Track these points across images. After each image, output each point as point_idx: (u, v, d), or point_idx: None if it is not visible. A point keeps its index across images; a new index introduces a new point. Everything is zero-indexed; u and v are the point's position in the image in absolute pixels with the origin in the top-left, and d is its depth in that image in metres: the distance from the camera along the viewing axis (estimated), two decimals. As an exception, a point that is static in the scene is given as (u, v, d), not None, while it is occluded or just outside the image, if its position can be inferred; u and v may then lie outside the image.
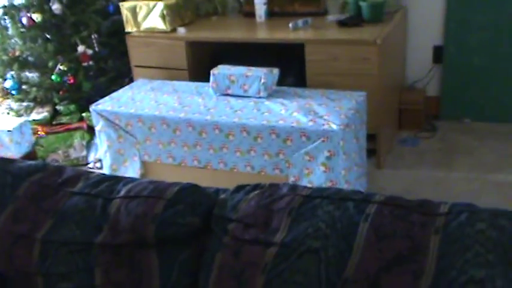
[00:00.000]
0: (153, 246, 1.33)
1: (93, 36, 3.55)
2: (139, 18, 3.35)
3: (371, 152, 3.06)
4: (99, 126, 2.93)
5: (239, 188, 1.47)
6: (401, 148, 3.32)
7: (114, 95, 3.04)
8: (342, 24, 3.11)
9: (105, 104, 2.92)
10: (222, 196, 1.44)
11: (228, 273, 1.24)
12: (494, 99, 3.46)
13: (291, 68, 3.28)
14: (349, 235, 1.16)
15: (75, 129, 3.46)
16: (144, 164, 2.91)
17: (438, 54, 3.52)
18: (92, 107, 2.92)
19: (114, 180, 1.53)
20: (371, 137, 3.00)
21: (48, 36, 3.51)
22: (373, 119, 2.93)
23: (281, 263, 1.18)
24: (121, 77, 3.71)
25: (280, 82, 3.05)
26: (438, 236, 1.10)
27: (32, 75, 3.62)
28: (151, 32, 3.36)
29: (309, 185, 2.51)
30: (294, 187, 1.38)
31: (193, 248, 1.34)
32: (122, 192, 1.44)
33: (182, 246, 1.34)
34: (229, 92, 2.84)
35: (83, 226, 1.38)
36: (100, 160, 3.20)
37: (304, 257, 1.17)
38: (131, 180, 1.53)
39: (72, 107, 3.52)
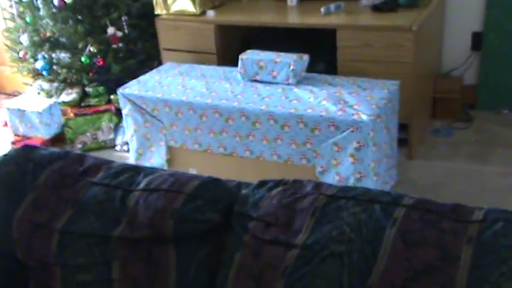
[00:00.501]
0: (171, 242, 1.29)
1: (123, 18, 3.52)
2: (169, 0, 3.30)
3: (402, 142, 2.96)
4: (126, 110, 2.91)
5: (262, 184, 1.42)
6: (435, 139, 3.21)
7: (141, 78, 3.01)
8: (376, 9, 2.99)
9: (132, 88, 2.90)
10: (244, 191, 1.39)
11: (247, 274, 1.19)
12: (535, 90, 3.31)
13: (322, 53, 3.19)
14: (375, 240, 1.10)
15: (104, 111, 3.45)
16: (170, 149, 2.88)
17: (477, 41, 3.37)
18: (119, 91, 2.90)
19: (135, 171, 1.50)
20: (403, 127, 2.91)
21: (79, 17, 3.50)
22: (405, 108, 2.82)
23: (302, 266, 1.13)
24: (150, 59, 3.69)
25: (311, 68, 2.97)
26: (471, 245, 1.03)
27: (62, 56, 3.62)
28: (181, 14, 3.31)
29: (337, 177, 2.46)
30: (318, 185, 1.32)
31: (212, 245, 1.30)
32: (142, 185, 1.41)
33: (201, 243, 1.30)
34: (258, 78, 2.78)
35: (102, 218, 1.36)
36: (127, 143, 3.19)
37: (326, 262, 1.11)
38: (152, 171, 1.49)
39: (100, 89, 3.52)
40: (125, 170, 1.51)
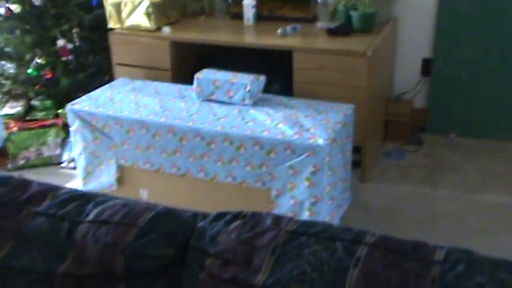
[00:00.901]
0: (122, 279, 1.22)
1: (74, 30, 3.39)
2: (124, 14, 3.21)
3: (356, 164, 2.98)
4: (74, 126, 2.79)
5: (219, 216, 1.37)
6: (387, 161, 3.25)
7: (92, 94, 2.90)
8: (331, 32, 3.01)
9: (82, 104, 2.78)
10: (201, 224, 1.34)
11: (203, 315, 1.14)
12: (480, 115, 3.41)
13: (278, 74, 3.18)
14: (338, 281, 1.06)
15: (50, 126, 3.31)
16: (120, 168, 2.78)
17: (427, 67, 3.45)
18: (68, 107, 2.78)
19: (84, 200, 1.41)
20: (356, 149, 2.93)
21: (27, 27, 3.35)
22: (359, 131, 2.85)
23: (262, 308, 1.08)
24: (101, 73, 3.57)
25: (267, 88, 2.95)
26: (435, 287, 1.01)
27: (8, 67, 3.45)
28: (136, 29, 3.23)
29: (292, 200, 2.43)
30: (278, 219, 1.28)
31: (166, 283, 1.23)
32: (91, 216, 1.33)
33: (154, 280, 1.23)
34: (213, 97, 2.73)
35: (46, 253, 1.26)
36: (74, 160, 3.06)
37: (287, 303, 1.07)
38: (103, 199, 1.41)
39: (48, 102, 3.37)
40: (73, 198, 1.42)
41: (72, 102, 2.81)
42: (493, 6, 3.17)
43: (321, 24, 3.18)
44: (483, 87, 3.34)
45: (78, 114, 2.75)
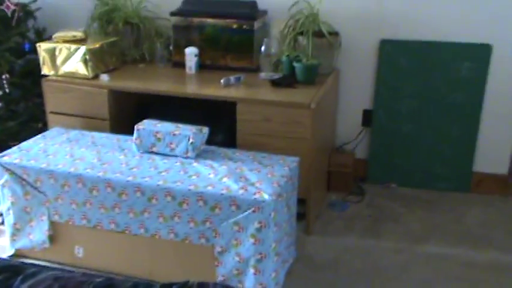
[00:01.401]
0: None
1: (4, 76, 3.22)
2: (59, 61, 3.09)
3: (300, 217, 2.94)
4: (2, 180, 2.60)
5: (164, 287, 1.26)
6: (330, 213, 3.24)
7: (23, 144, 2.73)
8: (275, 84, 3.02)
9: (12, 156, 2.61)
10: (142, 299, 1.23)
11: None
12: (420, 166, 3.49)
13: (221, 125, 3.14)
14: None
15: (-24, 178, 3.06)
16: (53, 224, 2.60)
17: (367, 117, 3.52)
18: (-4, 159, 2.60)
19: (12, 273, 1.28)
20: (300, 201, 2.89)
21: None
22: (303, 183, 2.82)
23: None
24: (34, 121, 3.39)
25: (210, 139, 2.88)
26: None
27: None
28: (71, 77, 3.10)
29: (237, 257, 2.34)
30: (226, 291, 1.20)
31: None
32: (19, 292, 1.19)
33: None
34: (155, 149, 2.63)
35: None
36: (2, 215, 2.84)
37: None
38: (33, 272, 1.28)
39: (-26, 152, 3.13)
40: (1, 270, 1.28)
41: (1, 153, 2.62)
42: (429, 60, 3.29)
43: (264, 75, 3.19)
44: (423, 138, 3.43)
45: (7, 167, 2.57)
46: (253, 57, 3.29)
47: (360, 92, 3.49)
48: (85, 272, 1.38)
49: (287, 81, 3.03)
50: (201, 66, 3.34)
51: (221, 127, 3.14)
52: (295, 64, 3.04)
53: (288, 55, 3.13)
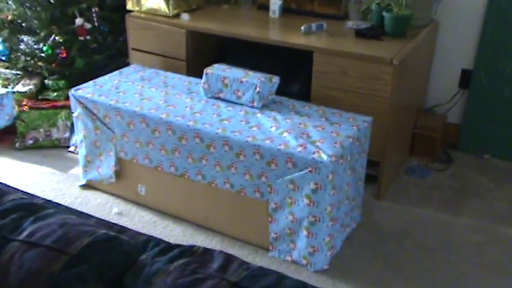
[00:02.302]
0: (40, 316, 1.07)
1: (93, 10, 3.27)
2: (143, -3, 3.06)
3: (372, 179, 2.75)
4: (76, 113, 2.68)
5: (167, 250, 1.20)
6: (408, 179, 2.99)
7: (99, 80, 2.78)
8: (359, 34, 2.76)
9: (85, 90, 2.66)
10: (143, 257, 1.17)
11: None
12: (521, 137, 3.10)
13: (300, 74, 2.97)
14: None
15: (61, 107, 3.22)
16: (119, 160, 2.66)
17: (466, 78, 3.15)
18: (72, 91, 2.67)
19: (27, 211, 1.28)
20: (373, 163, 2.69)
21: (45, 3, 3.25)
22: (378, 145, 2.61)
23: None
24: (120, 56, 3.45)
25: (285, 89, 2.75)
26: None
27: (26, 41, 3.37)
28: (153, 14, 3.07)
29: (290, 216, 2.24)
30: (227, 263, 1.11)
31: (88, 325, 1.08)
32: (24, 234, 1.19)
33: (75, 321, 1.08)
34: (221, 96, 2.55)
35: (-34, 273, 1.13)
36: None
37: None
38: (46, 214, 1.27)
39: (61, 83, 3.28)
40: (16, 208, 1.29)
41: (77, 87, 2.69)
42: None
43: (350, 24, 2.94)
44: (526, 107, 3.02)
45: (80, 101, 2.64)
46: (341, 4, 3.04)
47: (460, 48, 3.11)
48: (100, 221, 1.35)
49: (373, 32, 2.76)
50: (286, 11, 3.15)
51: (299, 77, 2.97)
52: (384, 14, 2.76)
53: (378, 3, 2.84)
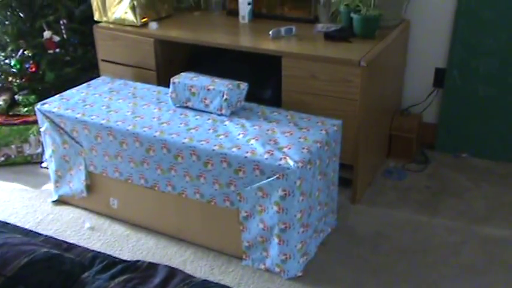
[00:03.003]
0: None
1: (62, 22, 3.23)
2: (109, 7, 3.02)
3: (347, 182, 2.72)
4: (44, 127, 2.64)
5: (111, 265, 1.16)
6: (385, 181, 2.96)
7: (66, 93, 2.74)
8: (328, 36, 2.74)
9: (52, 104, 2.62)
10: (85, 275, 1.13)
11: None
12: (497, 134, 3.07)
13: (271, 79, 2.93)
14: None
15: (33, 122, 3.16)
16: (90, 174, 2.61)
17: (440, 77, 3.13)
18: (37, 106, 2.63)
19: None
20: (348, 166, 2.66)
21: (13, 17, 3.21)
22: (350, 148, 2.59)
23: None
24: (92, 68, 3.40)
25: (257, 94, 2.73)
26: None
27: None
28: (121, 24, 3.04)
29: (261, 224, 2.20)
30: (169, 278, 1.07)
31: None
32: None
33: None
34: (189, 104, 2.52)
35: None
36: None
37: None
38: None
39: (32, 98, 3.22)
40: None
41: (43, 101, 2.65)
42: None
43: (320, 27, 2.91)
44: (502, 104, 3.00)
45: (47, 115, 2.59)
46: (311, 7, 3.02)
47: (432, 47, 3.09)
48: (48, 239, 1.30)
49: (342, 34, 2.74)
50: (256, 15, 3.13)
51: (270, 82, 2.94)
52: (353, 15, 2.73)
53: (347, 4, 2.82)
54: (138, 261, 1.12)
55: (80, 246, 1.27)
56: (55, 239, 1.36)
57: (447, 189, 2.87)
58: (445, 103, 3.16)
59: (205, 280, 1.05)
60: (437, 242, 2.48)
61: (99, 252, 1.23)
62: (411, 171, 3.04)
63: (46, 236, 1.35)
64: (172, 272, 1.06)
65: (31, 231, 1.38)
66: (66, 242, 1.28)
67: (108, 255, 1.22)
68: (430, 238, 2.51)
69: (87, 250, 1.25)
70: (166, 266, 1.09)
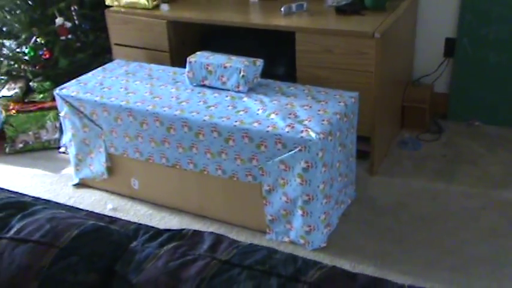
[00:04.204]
0: (34, 309, 1.07)
1: (73, 8, 3.24)
2: (120, -9, 3.04)
3: (364, 154, 2.75)
4: (63, 112, 2.67)
5: (156, 235, 1.20)
6: (401, 151, 3.00)
7: (82, 77, 2.76)
8: (340, 10, 2.75)
9: (70, 89, 2.65)
10: (133, 245, 1.17)
11: None
12: (509, 101, 3.10)
13: (284, 56, 2.95)
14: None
15: (49, 109, 3.20)
16: (110, 156, 2.65)
17: (450, 47, 3.14)
18: (56, 91, 2.66)
19: (15, 209, 1.27)
20: (365, 139, 2.69)
21: (24, 5, 3.22)
22: (367, 120, 2.61)
23: None
24: (104, 53, 3.42)
25: (271, 71, 2.74)
26: None
27: (8, 45, 3.34)
28: (132, 7, 3.05)
29: (284, 197, 2.24)
30: (216, 243, 1.11)
31: (84, 314, 1.08)
32: (13, 231, 1.19)
33: (71, 311, 1.08)
34: (206, 83, 2.54)
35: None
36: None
37: None
38: (33, 211, 1.26)
39: (46, 84, 3.25)
40: (3, 207, 1.28)
41: (61, 86, 2.68)
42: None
43: (330, 1, 2.92)
44: (513, 71, 3.02)
45: (66, 100, 2.62)
46: (320, -18, 3.02)
47: (442, 17, 3.10)
48: (90, 213, 1.34)
49: (353, 7, 2.75)
50: (266, -7, 3.13)
51: (283, 59, 2.96)
52: (364, -12, 2.74)
53: (357, -22, 2.82)
54: (183, 229, 1.16)
55: (121, 219, 1.31)
56: (96, 213, 1.40)
57: (462, 157, 2.90)
58: (456, 72, 3.17)
59: (251, 243, 1.08)
60: (456, 208, 2.52)
61: (140, 224, 1.27)
62: (425, 141, 3.07)
63: (87, 210, 1.39)
64: (218, 237, 1.10)
65: (72, 207, 1.41)
66: (107, 216, 1.32)
67: (151, 226, 1.25)
68: (449, 205, 2.55)
69: (129, 222, 1.28)
70: (211, 232, 1.12)
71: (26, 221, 1.22)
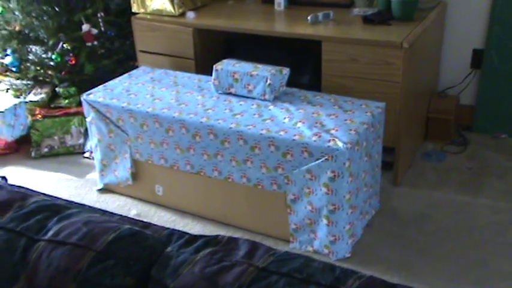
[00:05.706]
0: (71, 312, 1.08)
1: (99, 15, 3.29)
2: (147, -1, 3.07)
3: (388, 166, 2.73)
4: (89, 117, 2.70)
5: (191, 240, 1.20)
6: (425, 163, 2.97)
7: (109, 83, 2.79)
8: (367, 20, 2.75)
9: (97, 94, 2.67)
10: (168, 249, 1.17)
11: None
12: (537, 114, 3.06)
13: (309, 65, 2.96)
14: None
15: (74, 114, 3.23)
16: (135, 162, 2.66)
17: (477, 58, 3.12)
18: (83, 97, 2.68)
19: (50, 212, 1.28)
20: (389, 149, 2.68)
21: (51, 11, 3.27)
22: (392, 130, 2.60)
23: None
24: (128, 60, 3.46)
25: (295, 79, 2.74)
26: None
27: (34, 51, 3.39)
28: (159, 14, 3.08)
29: (309, 206, 2.23)
30: (253, 250, 1.10)
31: (120, 318, 1.08)
32: (50, 233, 1.20)
33: (107, 315, 1.08)
34: (232, 91, 2.55)
35: (-1, 272, 1.14)
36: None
37: None
38: (69, 214, 1.28)
39: (72, 89, 3.29)
40: (40, 210, 1.29)
41: (88, 92, 2.70)
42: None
43: (357, 11, 2.93)
44: (540, 83, 2.99)
45: (92, 106, 2.65)
46: (346, -8, 3.03)
47: (470, 28, 3.08)
48: (123, 218, 1.35)
49: (381, 17, 2.74)
50: (292, 2, 3.14)
51: (308, 67, 2.97)
52: (391, -2, 2.74)
53: (384, -12, 2.82)
54: (218, 235, 1.16)
55: (155, 225, 1.31)
56: (129, 217, 1.40)
57: (488, 170, 2.87)
58: (483, 84, 3.14)
59: (287, 251, 1.08)
60: (482, 221, 2.48)
61: (174, 229, 1.27)
62: (450, 152, 3.04)
63: (120, 215, 1.40)
64: (254, 244, 1.10)
65: (106, 211, 1.42)
66: (141, 221, 1.33)
67: (184, 232, 1.25)
68: (474, 218, 2.51)
69: (162, 227, 1.29)
70: (246, 239, 1.12)
71: (62, 223, 1.23)
